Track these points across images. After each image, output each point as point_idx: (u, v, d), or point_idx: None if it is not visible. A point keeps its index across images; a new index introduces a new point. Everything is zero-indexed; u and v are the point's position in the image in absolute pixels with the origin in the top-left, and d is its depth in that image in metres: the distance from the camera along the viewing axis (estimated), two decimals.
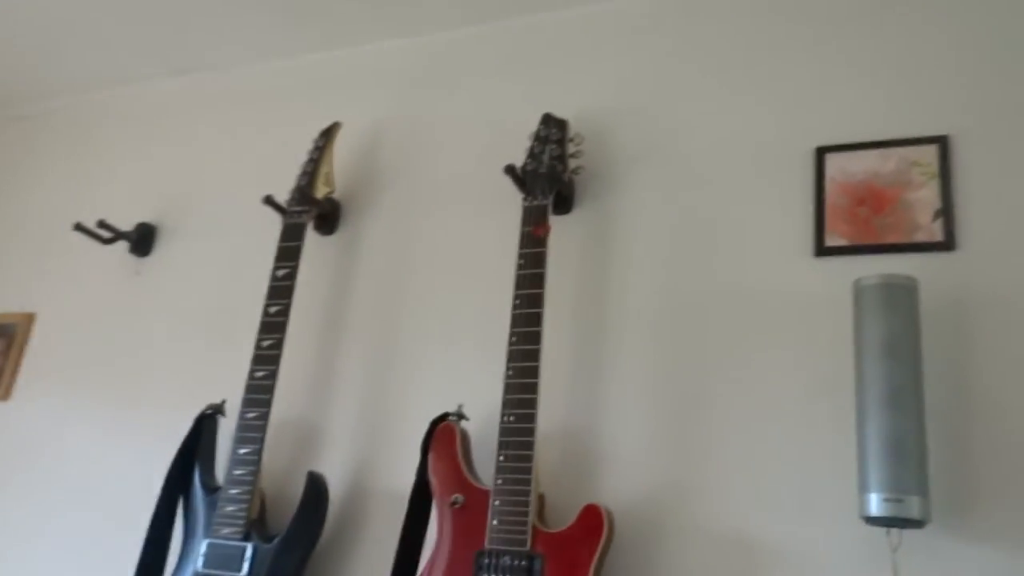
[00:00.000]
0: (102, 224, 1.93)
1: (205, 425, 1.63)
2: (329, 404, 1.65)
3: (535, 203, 1.48)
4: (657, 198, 1.55)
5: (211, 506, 1.52)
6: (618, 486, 1.36)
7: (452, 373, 1.57)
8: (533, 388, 1.33)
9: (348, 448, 1.59)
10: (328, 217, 1.80)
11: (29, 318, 2.11)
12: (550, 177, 1.49)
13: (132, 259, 2.03)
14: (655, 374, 1.41)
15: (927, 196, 1.31)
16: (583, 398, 1.44)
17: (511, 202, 1.62)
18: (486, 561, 1.26)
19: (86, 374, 1.96)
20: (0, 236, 2.27)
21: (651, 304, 1.47)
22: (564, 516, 1.32)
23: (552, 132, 1.57)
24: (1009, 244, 1.26)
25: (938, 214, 1.30)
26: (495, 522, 1.28)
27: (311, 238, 1.80)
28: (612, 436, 1.40)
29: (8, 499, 1.89)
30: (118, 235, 1.97)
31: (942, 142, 1.34)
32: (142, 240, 2.01)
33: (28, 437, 1.95)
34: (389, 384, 1.61)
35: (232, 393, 1.69)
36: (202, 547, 1.48)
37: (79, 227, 1.94)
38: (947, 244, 1.27)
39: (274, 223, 1.83)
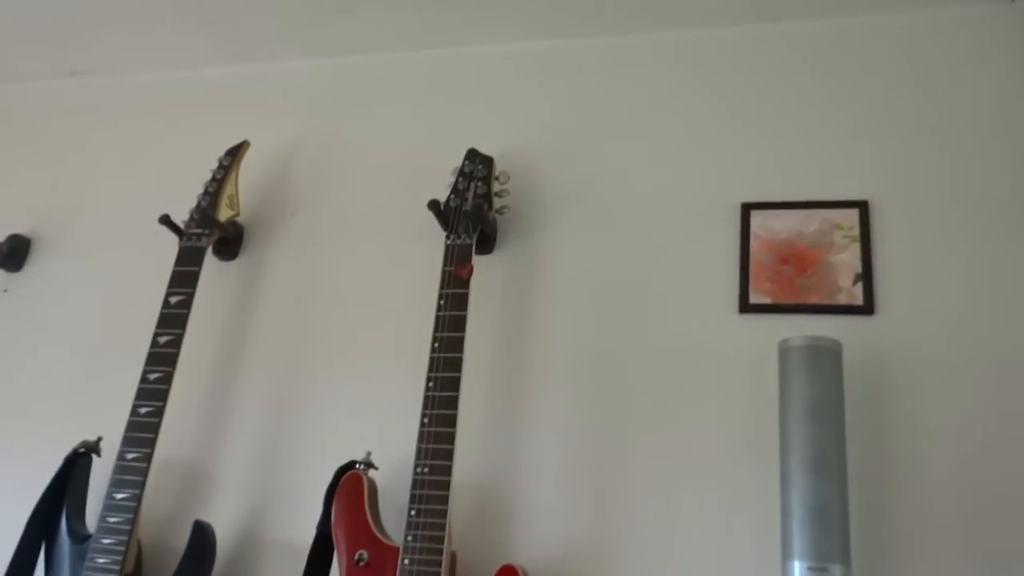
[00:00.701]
0: None
1: (77, 465, 1.46)
2: (221, 445, 1.51)
3: (458, 242, 1.41)
4: (583, 242, 1.51)
5: (79, 556, 1.36)
6: (534, 543, 1.29)
7: (359, 417, 1.47)
8: (450, 438, 1.26)
9: (240, 495, 1.46)
10: (230, 242, 1.67)
11: None
12: (475, 215, 1.44)
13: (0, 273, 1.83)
14: (575, 426, 1.37)
15: (848, 259, 1.34)
16: (498, 449, 1.38)
17: (430, 238, 1.55)
18: None
19: None
20: None
21: (573, 353, 1.43)
22: (482, 573, 1.25)
23: (477, 168, 1.51)
24: (924, 308, 1.29)
25: (858, 277, 1.32)
26: None
27: (209, 263, 1.66)
28: (528, 490, 1.34)
29: None
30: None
31: (862, 207, 1.37)
32: (13, 253, 1.81)
33: None
34: (289, 426, 1.50)
35: (111, 430, 1.53)
36: None
37: None
38: (867, 308, 1.29)
39: (167, 244, 1.68)
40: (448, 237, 1.42)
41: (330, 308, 1.58)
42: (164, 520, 1.47)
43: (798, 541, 1.06)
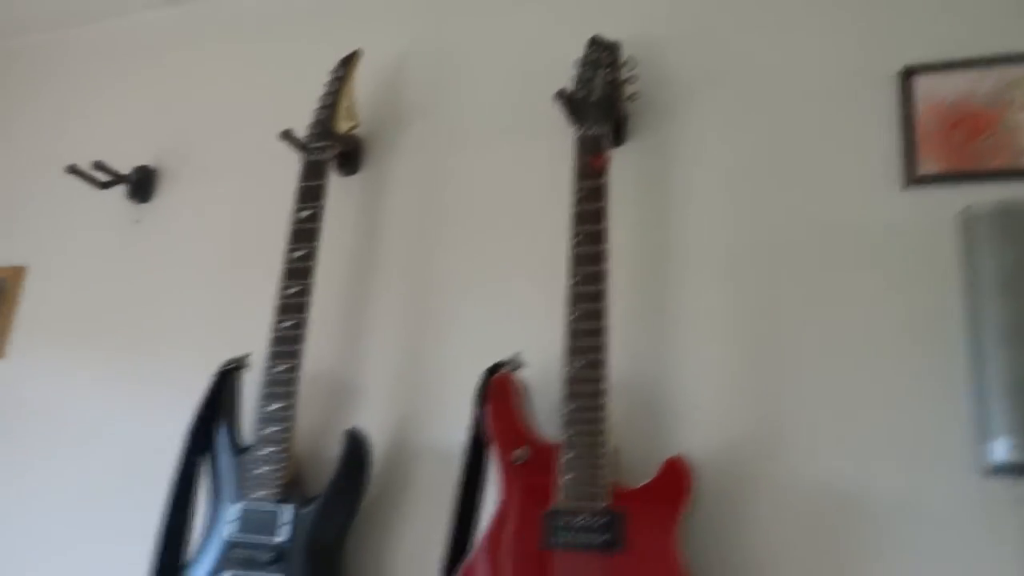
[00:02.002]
0: (98, 166, 1.76)
1: (228, 380, 1.50)
2: (361, 356, 1.52)
3: (590, 132, 1.35)
4: (724, 125, 1.42)
5: (240, 467, 1.40)
6: (694, 438, 1.25)
7: (497, 320, 1.45)
8: (602, 332, 1.22)
9: (385, 403, 1.47)
10: (349, 155, 1.65)
11: (19, 272, 1.95)
12: (606, 103, 1.36)
13: (131, 205, 1.86)
14: (729, 316, 1.31)
15: None
16: (649, 344, 1.33)
17: (556, 133, 1.49)
18: (558, 521, 1.16)
19: (87, 329, 1.81)
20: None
21: (720, 241, 1.35)
22: (639, 471, 1.22)
23: (603, 56, 1.43)
24: None
25: None
26: (567, 478, 1.17)
27: (332, 179, 1.65)
28: (685, 384, 1.29)
29: (9, 462, 1.75)
30: (116, 179, 1.80)
31: None
32: (141, 184, 1.84)
33: (27, 397, 1.81)
34: (427, 333, 1.49)
35: (248, 346, 1.57)
36: (233, 511, 1.36)
37: (73, 170, 1.76)
38: None
39: (288, 163, 1.68)
40: (579, 128, 1.36)
41: (460, 213, 1.55)
42: (312, 430, 1.50)
43: (999, 417, 0.98)
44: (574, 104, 1.38)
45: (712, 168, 1.40)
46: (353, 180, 1.66)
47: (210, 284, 1.72)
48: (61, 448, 1.72)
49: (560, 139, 1.48)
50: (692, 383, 1.29)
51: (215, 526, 1.38)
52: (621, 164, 1.45)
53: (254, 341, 1.59)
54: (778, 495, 1.20)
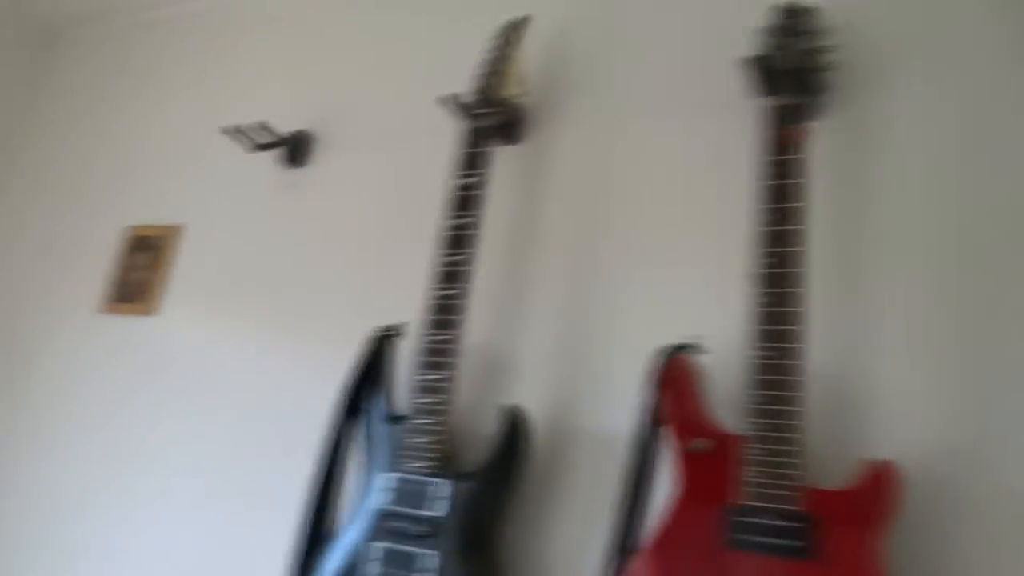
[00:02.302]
0: (261, 127, 1.76)
1: (382, 347, 1.47)
2: (520, 331, 1.47)
3: (786, 102, 1.24)
4: (929, 101, 1.28)
5: (393, 436, 1.37)
6: (890, 441, 1.14)
7: (665, 301, 1.36)
8: (796, 318, 1.11)
9: (543, 381, 1.41)
10: (511, 125, 1.59)
11: (175, 231, 2.00)
12: (801, 72, 1.25)
13: (286, 169, 1.87)
14: (934, 305, 1.18)
15: None
16: (842, 332, 1.22)
17: (732, 105, 1.39)
18: (741, 519, 1.07)
19: (238, 290, 1.83)
20: (143, 145, 2.15)
21: (926, 227, 1.22)
22: (829, 471, 1.12)
23: (798, 22, 1.31)
24: None
25: None
26: (753, 474, 1.08)
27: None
28: (883, 378, 1.17)
29: (156, 417, 1.80)
30: (277, 141, 1.80)
31: None
32: (298, 149, 1.85)
33: (177, 353, 1.85)
34: (590, 311, 1.42)
35: (398, 314, 1.54)
36: (386, 481, 1.33)
37: (236, 130, 1.78)
38: None
39: (444, 131, 1.64)
40: (772, 99, 1.25)
41: (628, 188, 1.47)
42: (467, 404, 1.45)
43: None
44: (766, 72, 1.28)
45: (920, 143, 1.26)
46: (513, 151, 1.60)
47: (363, 250, 1.70)
48: (208, 407, 1.75)
49: (738, 111, 1.38)
50: (891, 381, 1.17)
51: (366, 495, 1.36)
52: (813, 139, 1.33)
53: (405, 309, 1.57)
54: (987, 511, 1.07)
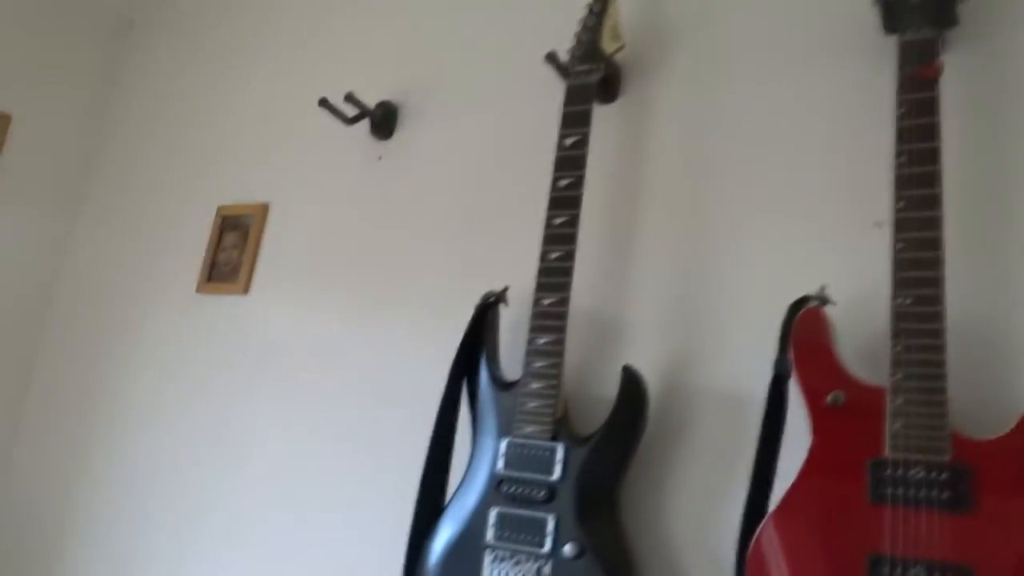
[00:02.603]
0: (348, 98, 1.76)
1: (488, 313, 1.45)
2: (628, 291, 1.43)
3: (916, 37, 1.17)
4: None
5: (504, 402, 1.36)
6: None
7: (785, 253, 1.31)
8: (937, 263, 1.06)
9: (654, 340, 1.38)
10: (608, 81, 1.55)
11: (263, 208, 2.01)
12: (932, 5, 1.18)
13: (373, 141, 1.86)
14: None
15: None
16: (986, 278, 1.16)
17: (852, 48, 1.33)
18: (888, 472, 1.02)
19: (329, 265, 1.83)
20: (228, 125, 2.17)
21: None
22: (977, 421, 1.06)
23: None
24: None
25: None
26: (898, 425, 1.03)
27: None
28: (1020, 329, 1.11)
29: (253, 396, 1.81)
30: (363, 112, 1.80)
31: None
32: (384, 120, 1.83)
33: (271, 332, 1.86)
34: (704, 268, 1.38)
35: (493, 282, 1.53)
36: (501, 447, 1.32)
37: (323, 103, 1.77)
38: None
39: (535, 93, 1.61)
40: (901, 33, 1.19)
41: (736, 140, 1.42)
42: (578, 368, 1.43)
43: None
44: (892, 6, 1.21)
45: None
46: (612, 108, 1.56)
47: (457, 218, 1.69)
48: (303, 383, 1.76)
49: (857, 51, 1.32)
50: None
51: (479, 461, 1.35)
52: (945, 75, 1.26)
53: (503, 275, 1.55)
54: None
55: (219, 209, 2.08)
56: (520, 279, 1.52)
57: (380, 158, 1.84)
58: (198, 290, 2.03)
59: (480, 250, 1.63)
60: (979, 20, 1.25)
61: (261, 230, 1.99)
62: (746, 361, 1.27)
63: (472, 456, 1.36)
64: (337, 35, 2.05)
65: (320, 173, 1.93)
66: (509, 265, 1.56)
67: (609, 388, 1.37)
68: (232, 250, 2.02)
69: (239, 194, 2.05)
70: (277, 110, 2.07)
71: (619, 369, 1.30)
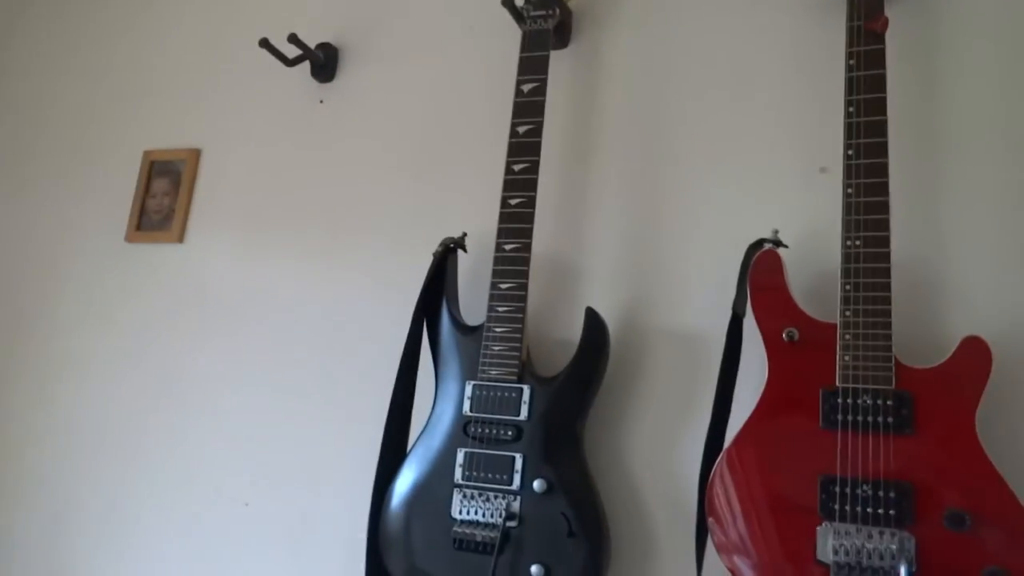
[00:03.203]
0: (292, 39, 1.69)
1: (446, 259, 1.46)
2: (584, 236, 1.47)
3: None
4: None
5: (468, 346, 1.38)
6: (973, 320, 1.19)
7: (733, 198, 1.38)
8: (884, 207, 1.14)
9: (611, 284, 1.43)
10: (559, 27, 1.56)
11: (195, 153, 1.93)
12: None
13: (314, 84, 1.81)
14: (1006, 196, 1.22)
15: None
16: (917, 223, 1.25)
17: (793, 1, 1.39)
18: (839, 400, 1.11)
19: (271, 211, 1.79)
20: (154, 65, 2.05)
21: (999, 115, 1.25)
22: (918, 351, 1.16)
23: None
24: None
25: None
26: (847, 358, 1.12)
27: None
28: (956, 267, 1.22)
29: (202, 346, 1.77)
30: (304, 55, 1.74)
31: None
32: (326, 63, 1.78)
33: (208, 281, 1.81)
34: (655, 213, 1.43)
35: (439, 228, 1.54)
36: (467, 389, 1.35)
37: (264, 44, 1.71)
38: None
39: (479, 43, 1.61)
40: None
41: (684, 89, 1.46)
42: (539, 311, 1.46)
43: None
44: None
45: (990, 33, 1.28)
46: (563, 53, 1.57)
47: (403, 164, 1.67)
48: (251, 333, 1.73)
49: (801, 4, 1.38)
50: (968, 263, 1.21)
51: (444, 404, 1.37)
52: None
53: (452, 221, 1.56)
54: None
55: (146, 154, 1.98)
56: (473, 224, 1.54)
57: (321, 101, 1.79)
58: (127, 239, 1.94)
59: (430, 195, 1.63)
60: None
61: (195, 176, 1.92)
62: (700, 302, 1.34)
63: (436, 400, 1.39)
64: None
65: (257, 117, 1.86)
66: (460, 210, 1.58)
67: (569, 331, 1.43)
68: (163, 197, 1.94)
69: (168, 138, 1.96)
70: (207, 51, 1.97)
71: (578, 313, 1.35)
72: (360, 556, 1.35)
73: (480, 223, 1.53)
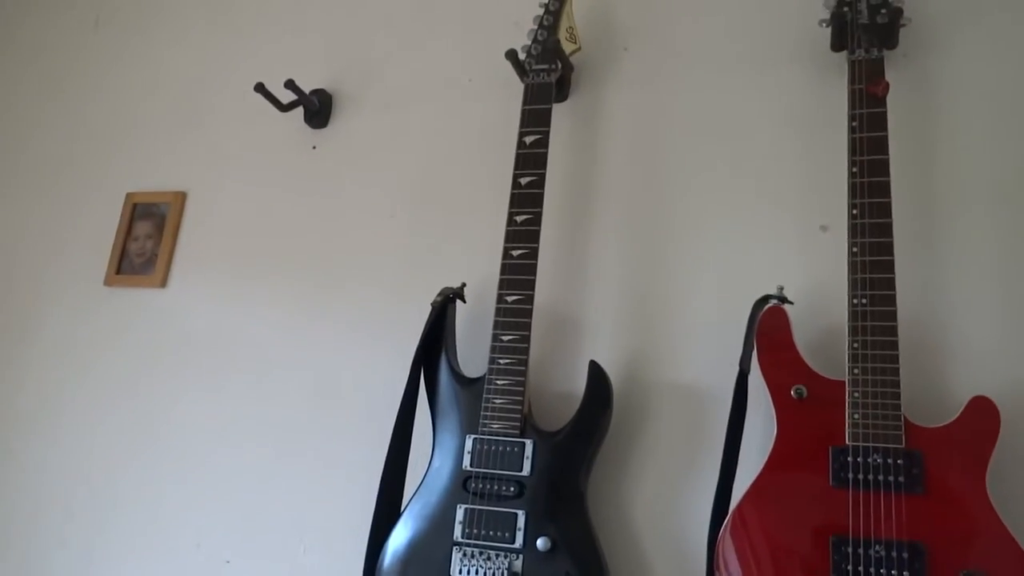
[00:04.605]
0: (289, 85, 1.68)
1: (445, 310, 1.44)
2: (585, 289, 1.47)
3: (867, 56, 1.27)
4: (994, 51, 1.34)
5: (467, 399, 1.36)
6: (982, 377, 1.20)
7: (735, 253, 1.39)
8: (889, 266, 1.16)
9: (613, 337, 1.42)
10: (560, 81, 1.57)
11: (180, 196, 1.89)
12: (884, 27, 1.28)
13: (307, 130, 1.79)
14: (1006, 255, 1.24)
15: None
16: (918, 282, 1.27)
17: (792, 61, 1.43)
18: (848, 459, 1.11)
19: (259, 256, 1.75)
20: (139, 106, 2.02)
21: (996, 173, 1.28)
22: (927, 411, 1.17)
23: None
24: None
25: None
26: (856, 416, 1.12)
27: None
28: (958, 325, 1.24)
29: (184, 393, 1.72)
30: (299, 100, 1.73)
31: None
32: (321, 109, 1.77)
33: (191, 327, 1.76)
34: (657, 268, 1.43)
35: (432, 278, 1.53)
36: (467, 444, 1.32)
37: (260, 88, 1.69)
38: None
39: (478, 94, 1.63)
40: (852, 52, 1.28)
41: (686, 144, 1.48)
42: (540, 363, 1.45)
43: None
44: (843, 26, 1.30)
45: (987, 97, 1.32)
46: (563, 106, 1.58)
47: (394, 212, 1.66)
48: (234, 380, 1.68)
49: (802, 66, 1.41)
50: (964, 324, 1.23)
51: (442, 459, 1.34)
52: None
53: (447, 271, 1.55)
54: None
55: (128, 196, 1.94)
56: (469, 275, 1.52)
57: (314, 148, 1.78)
58: (107, 283, 1.88)
59: (425, 244, 1.61)
60: (917, 43, 1.37)
61: (179, 219, 1.88)
62: (703, 356, 1.34)
63: (433, 454, 1.36)
64: (267, 17, 1.95)
65: (246, 161, 1.84)
66: (456, 260, 1.57)
67: (570, 384, 1.41)
68: (146, 240, 1.89)
69: (154, 180, 1.92)
70: (196, 92, 1.95)
71: (581, 365, 1.33)
72: None
73: (477, 274, 1.52)
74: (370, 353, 1.58)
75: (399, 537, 1.32)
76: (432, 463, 1.35)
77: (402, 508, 1.34)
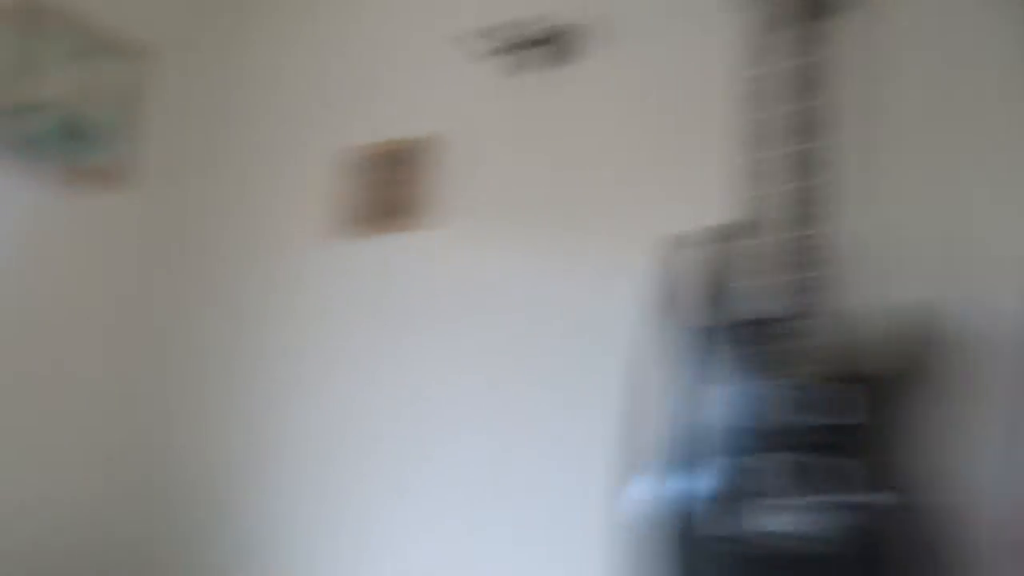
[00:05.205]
0: (513, 26, 1.63)
1: (722, 252, 1.37)
2: (887, 222, 1.35)
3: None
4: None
5: (755, 345, 1.28)
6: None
7: None
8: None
9: (920, 277, 1.30)
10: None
11: (432, 141, 1.88)
12: None
13: (545, 70, 1.74)
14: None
15: None
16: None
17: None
18: None
19: (509, 199, 1.76)
20: (388, 54, 2.03)
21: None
22: None
23: None
24: None
25: None
26: None
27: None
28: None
29: (431, 334, 1.77)
30: (539, 39, 1.69)
31: None
32: (558, 47, 1.71)
33: (447, 269, 1.80)
34: (959, 196, 1.29)
35: (689, 216, 1.46)
36: (770, 391, 1.25)
37: (487, 32, 1.65)
38: None
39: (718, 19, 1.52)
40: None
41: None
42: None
43: None
44: None
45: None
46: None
47: (642, 150, 1.62)
48: (485, 320, 1.72)
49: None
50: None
51: (740, 407, 1.28)
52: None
53: (700, 210, 1.47)
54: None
55: (374, 145, 1.95)
56: (716, 215, 1.44)
57: (556, 87, 1.73)
58: (363, 232, 1.93)
59: (671, 183, 1.56)
60: None
61: (432, 164, 1.87)
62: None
63: (724, 402, 1.29)
64: None
65: (487, 104, 1.82)
66: (707, 199, 1.48)
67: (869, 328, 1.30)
68: (391, 187, 1.91)
69: (404, 127, 1.93)
70: (436, 38, 1.93)
71: (881, 308, 1.23)
72: None
73: (724, 212, 1.44)
74: (621, 295, 1.55)
75: (700, 492, 1.27)
76: (732, 409, 1.28)
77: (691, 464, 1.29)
